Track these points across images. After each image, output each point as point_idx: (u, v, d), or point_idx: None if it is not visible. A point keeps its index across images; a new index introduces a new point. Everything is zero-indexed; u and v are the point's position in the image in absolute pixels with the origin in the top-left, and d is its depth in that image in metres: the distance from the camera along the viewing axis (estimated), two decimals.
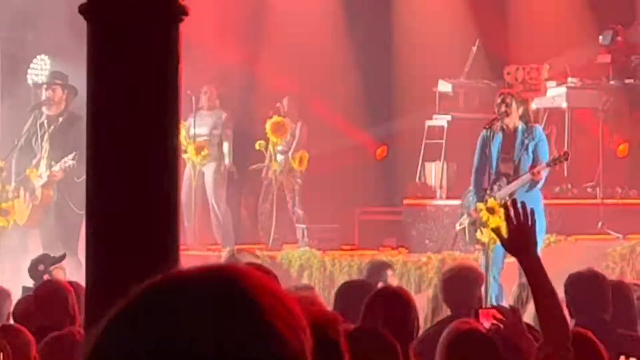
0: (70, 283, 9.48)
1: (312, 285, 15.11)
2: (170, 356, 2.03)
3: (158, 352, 2.03)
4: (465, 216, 15.15)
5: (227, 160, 17.93)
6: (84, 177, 6.10)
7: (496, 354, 6.54)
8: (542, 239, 13.14)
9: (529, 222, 5.73)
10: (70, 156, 15.62)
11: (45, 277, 12.23)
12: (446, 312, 9.26)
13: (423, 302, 10.02)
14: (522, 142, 14.42)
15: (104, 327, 2.09)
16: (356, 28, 19.86)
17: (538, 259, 5.60)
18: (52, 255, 13.49)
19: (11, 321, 9.25)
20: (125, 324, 2.07)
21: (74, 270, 14.21)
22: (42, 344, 7.32)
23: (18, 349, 7.16)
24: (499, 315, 6.51)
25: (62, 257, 13.48)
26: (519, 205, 5.85)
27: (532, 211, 5.88)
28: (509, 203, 6.15)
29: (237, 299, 2.05)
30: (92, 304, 5.77)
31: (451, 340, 6.65)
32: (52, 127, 16.27)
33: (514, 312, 6.60)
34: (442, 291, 9.47)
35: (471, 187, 14.94)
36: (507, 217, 5.68)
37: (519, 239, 5.59)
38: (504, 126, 14.56)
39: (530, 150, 14.40)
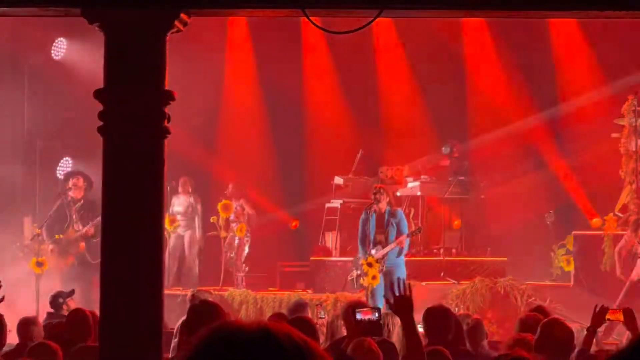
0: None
1: (248, 316, 15.11)
2: None
3: None
4: (354, 270, 15.32)
5: (198, 230, 17.97)
6: (98, 238, 6.19)
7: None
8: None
9: (407, 293, 5.75)
10: (99, 218, 15.66)
11: (64, 306, 11.94)
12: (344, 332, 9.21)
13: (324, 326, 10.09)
14: (389, 221, 14.70)
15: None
16: (277, 134, 19.97)
17: (412, 317, 5.59)
18: (65, 291, 13.13)
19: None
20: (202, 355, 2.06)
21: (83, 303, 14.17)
22: (73, 351, 7.20)
23: (49, 357, 7.11)
24: None
25: (72, 292, 13.29)
26: (399, 281, 5.83)
27: (409, 285, 5.90)
28: (393, 280, 6.12)
29: (271, 344, 2.05)
30: (105, 325, 5.87)
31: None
32: (76, 205, 16.33)
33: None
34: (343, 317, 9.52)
35: (359, 252, 15.17)
36: (392, 289, 5.66)
37: (401, 305, 5.60)
38: (377, 209, 14.82)
39: (394, 225, 14.69)
